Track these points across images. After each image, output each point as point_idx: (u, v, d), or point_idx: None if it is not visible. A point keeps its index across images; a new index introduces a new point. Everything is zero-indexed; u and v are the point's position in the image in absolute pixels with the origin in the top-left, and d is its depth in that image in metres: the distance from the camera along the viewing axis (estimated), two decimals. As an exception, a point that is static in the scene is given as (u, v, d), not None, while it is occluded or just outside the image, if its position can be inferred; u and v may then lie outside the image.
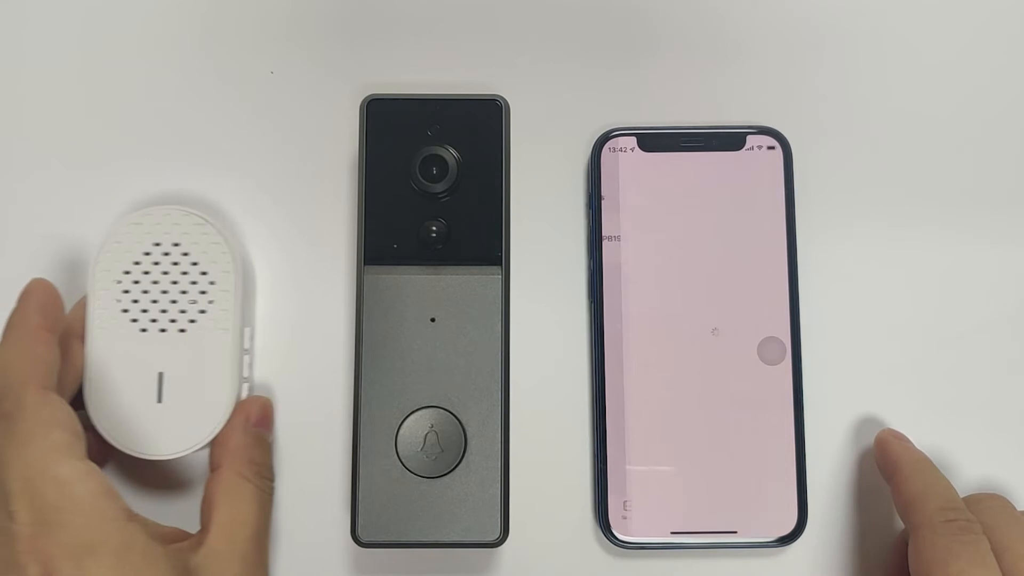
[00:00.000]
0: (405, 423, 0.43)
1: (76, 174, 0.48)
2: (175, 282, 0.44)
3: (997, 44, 0.49)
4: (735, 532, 0.45)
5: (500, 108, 0.44)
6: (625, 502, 0.45)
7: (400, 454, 0.42)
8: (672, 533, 0.45)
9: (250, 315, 0.47)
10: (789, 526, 0.45)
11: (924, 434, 0.46)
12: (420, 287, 0.43)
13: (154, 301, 0.44)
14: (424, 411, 0.43)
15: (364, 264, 0.44)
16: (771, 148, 0.47)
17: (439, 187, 0.44)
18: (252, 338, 0.46)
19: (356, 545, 0.42)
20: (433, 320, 0.43)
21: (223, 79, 0.49)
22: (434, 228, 0.44)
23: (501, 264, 0.44)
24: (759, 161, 0.47)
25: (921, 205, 0.48)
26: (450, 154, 0.44)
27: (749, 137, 0.48)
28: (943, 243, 0.48)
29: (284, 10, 0.50)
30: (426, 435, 0.43)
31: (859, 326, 0.47)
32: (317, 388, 0.47)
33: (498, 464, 0.42)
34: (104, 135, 0.49)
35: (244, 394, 0.45)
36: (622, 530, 0.45)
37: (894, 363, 0.47)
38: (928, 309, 0.47)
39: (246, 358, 0.45)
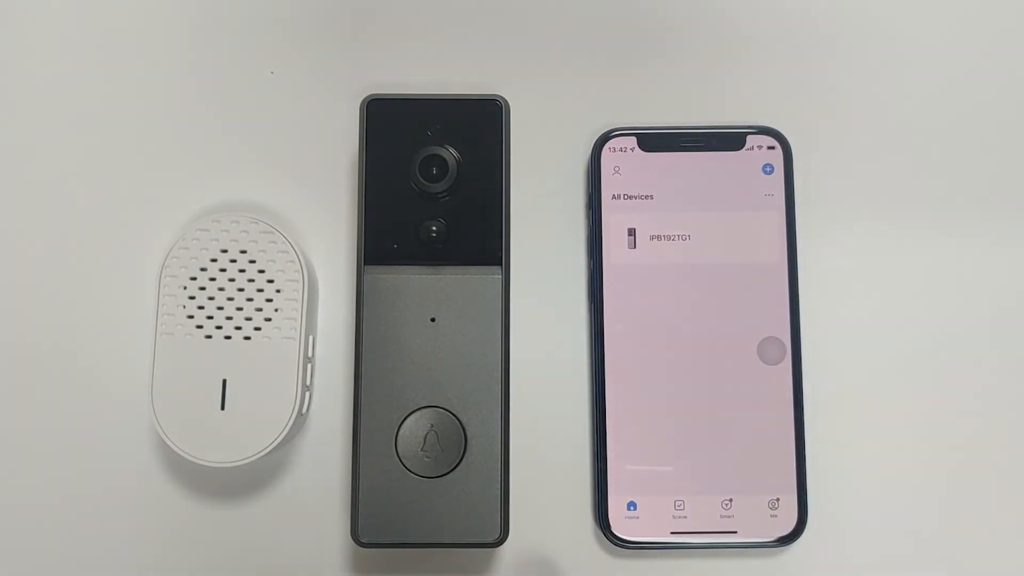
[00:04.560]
0: (405, 423, 0.43)
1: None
2: (241, 289, 0.44)
3: (999, 47, 0.49)
4: (735, 532, 0.45)
5: (500, 108, 0.44)
6: (626, 502, 0.45)
7: (400, 454, 0.42)
8: (672, 533, 0.45)
9: (313, 324, 0.46)
10: (789, 526, 0.45)
11: (923, 433, 0.46)
12: (420, 287, 0.43)
13: (220, 308, 0.44)
14: (424, 411, 0.43)
15: (364, 264, 0.44)
16: (771, 148, 0.47)
17: (439, 187, 0.44)
18: (314, 346, 0.46)
19: (356, 545, 0.42)
20: (433, 320, 0.43)
21: (223, 79, 0.49)
22: (434, 228, 0.44)
23: (501, 264, 0.44)
24: (759, 161, 0.47)
25: (921, 205, 0.48)
26: (450, 154, 0.44)
27: (749, 137, 0.48)
28: (944, 243, 0.48)
29: (284, 10, 0.50)
30: (426, 435, 0.43)
31: (859, 326, 0.47)
32: (317, 387, 0.47)
33: (498, 464, 0.42)
34: (103, 138, 0.49)
35: (306, 404, 0.45)
36: (622, 530, 0.45)
37: (895, 363, 0.47)
38: (929, 309, 0.47)
39: (309, 367, 0.45)
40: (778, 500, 0.45)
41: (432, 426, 0.43)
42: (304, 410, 0.44)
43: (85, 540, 0.46)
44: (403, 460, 0.42)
